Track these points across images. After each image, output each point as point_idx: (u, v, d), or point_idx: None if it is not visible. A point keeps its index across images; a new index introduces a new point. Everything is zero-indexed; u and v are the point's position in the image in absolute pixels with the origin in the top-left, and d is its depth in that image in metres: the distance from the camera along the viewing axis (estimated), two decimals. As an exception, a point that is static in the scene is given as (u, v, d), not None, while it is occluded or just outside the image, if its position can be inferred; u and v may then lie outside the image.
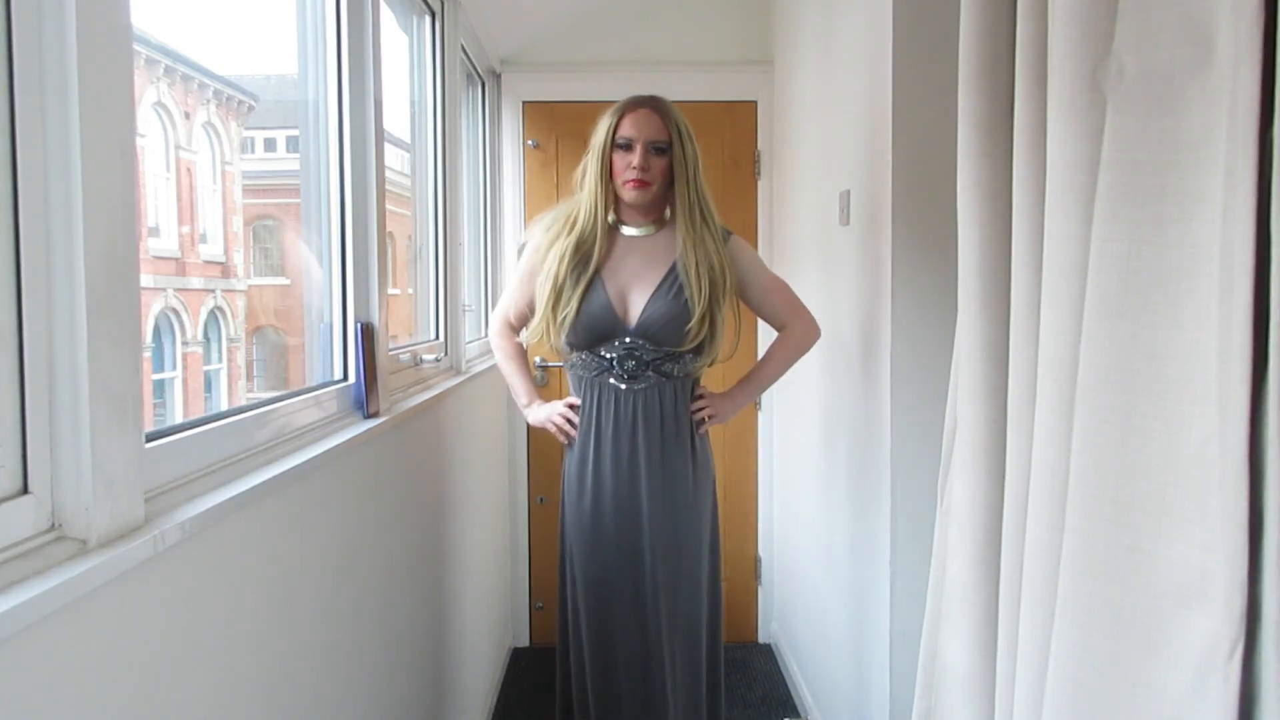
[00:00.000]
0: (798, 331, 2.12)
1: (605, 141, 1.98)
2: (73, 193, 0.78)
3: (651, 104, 1.99)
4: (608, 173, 1.99)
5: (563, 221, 2.04)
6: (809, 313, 2.14)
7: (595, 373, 2.01)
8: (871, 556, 2.17)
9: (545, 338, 2.03)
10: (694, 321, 1.95)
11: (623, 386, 2.00)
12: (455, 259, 2.59)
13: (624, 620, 2.00)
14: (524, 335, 2.13)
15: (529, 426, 3.44)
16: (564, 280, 1.98)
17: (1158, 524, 0.85)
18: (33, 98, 0.77)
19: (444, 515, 2.21)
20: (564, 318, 1.98)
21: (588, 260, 1.99)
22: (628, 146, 1.97)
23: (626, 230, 2.05)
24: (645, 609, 2.00)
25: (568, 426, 2.06)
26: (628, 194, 1.98)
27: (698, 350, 2.01)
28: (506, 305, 2.17)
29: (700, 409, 2.06)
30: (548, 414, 2.10)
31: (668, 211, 2.06)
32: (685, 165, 1.98)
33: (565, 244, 1.99)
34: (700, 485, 2.06)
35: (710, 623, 2.11)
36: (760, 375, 2.15)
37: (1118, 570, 0.88)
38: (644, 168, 1.95)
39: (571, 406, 2.07)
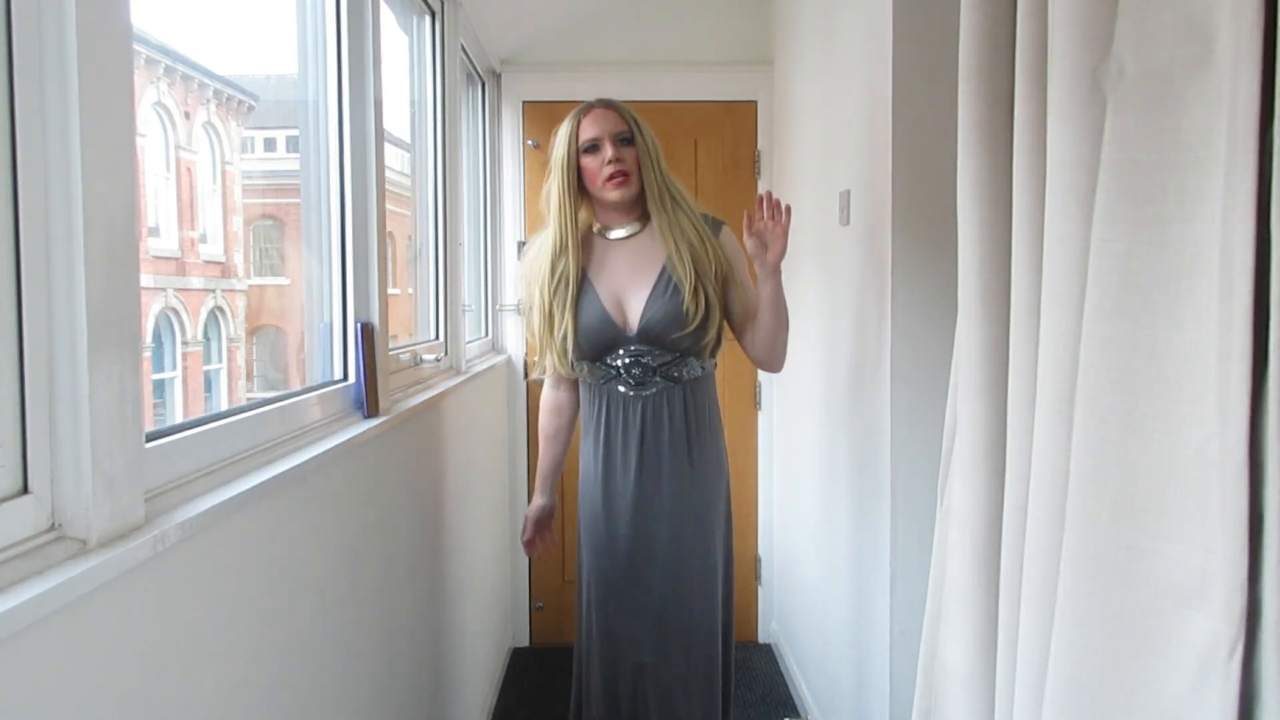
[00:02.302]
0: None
1: (569, 151, 1.98)
2: (73, 193, 0.78)
3: (601, 103, 2.02)
4: (575, 183, 1.99)
5: (542, 248, 2.05)
6: None
7: (603, 380, 2.01)
8: (872, 556, 2.17)
9: (555, 365, 2.04)
10: (688, 299, 1.92)
11: (630, 393, 1.99)
12: (455, 259, 2.59)
13: (635, 624, 2.01)
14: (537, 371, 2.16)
15: (529, 426, 3.45)
16: (550, 303, 1.98)
17: (1158, 524, 0.85)
18: (33, 98, 0.77)
19: (444, 515, 2.21)
20: (562, 335, 1.98)
21: (566, 276, 1.98)
22: (595, 146, 1.97)
23: (613, 234, 2.04)
24: (656, 613, 2.00)
25: (532, 532, 2.21)
26: (611, 193, 1.97)
27: (700, 333, 1.96)
28: (546, 374, 2.17)
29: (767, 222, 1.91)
30: (534, 507, 2.22)
31: (647, 212, 2.05)
32: (648, 153, 1.99)
33: (545, 268, 2.00)
34: (711, 489, 2.05)
35: (722, 627, 2.11)
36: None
37: (1118, 570, 0.88)
38: (619, 159, 1.95)
39: (539, 526, 2.21)
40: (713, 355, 2.05)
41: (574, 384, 2.15)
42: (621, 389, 1.99)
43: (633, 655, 2.01)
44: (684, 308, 1.93)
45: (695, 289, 1.93)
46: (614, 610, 2.01)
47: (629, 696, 2.02)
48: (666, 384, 1.99)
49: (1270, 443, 0.76)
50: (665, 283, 1.97)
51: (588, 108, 2.01)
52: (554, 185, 2.01)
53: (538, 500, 2.20)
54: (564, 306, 1.97)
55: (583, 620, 2.10)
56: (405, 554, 1.83)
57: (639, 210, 2.04)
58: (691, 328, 1.95)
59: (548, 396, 2.18)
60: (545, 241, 2.03)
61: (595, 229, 2.05)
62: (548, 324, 2.00)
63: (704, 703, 2.06)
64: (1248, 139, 0.76)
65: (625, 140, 1.97)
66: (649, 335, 1.96)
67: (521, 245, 3.34)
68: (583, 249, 2.02)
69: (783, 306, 1.99)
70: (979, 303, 1.16)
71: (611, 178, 1.95)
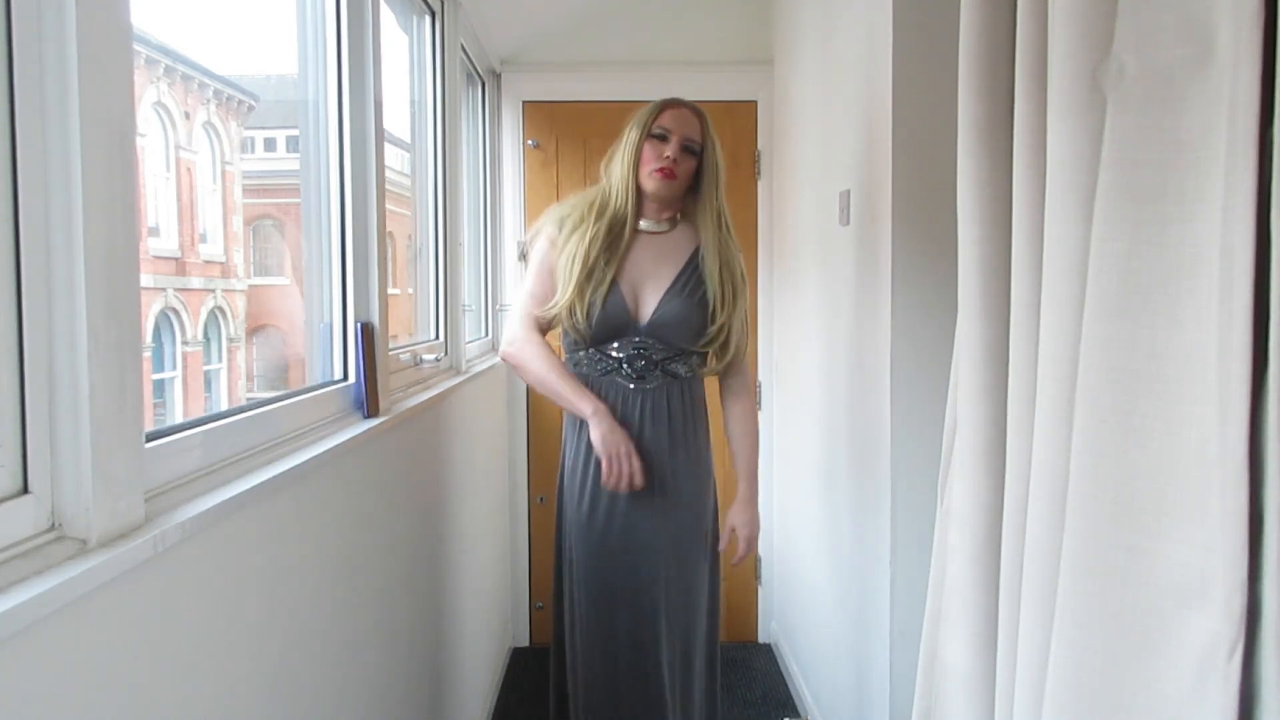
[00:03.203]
0: (750, 412, 2.12)
1: (642, 131, 1.99)
2: (73, 193, 0.78)
3: (691, 107, 2.02)
4: (637, 162, 2.00)
5: (586, 208, 2.03)
6: (750, 377, 2.15)
7: (602, 372, 2.00)
8: (872, 556, 2.17)
9: (567, 318, 1.97)
10: (715, 326, 1.98)
11: (630, 386, 1.99)
12: (455, 259, 2.59)
13: (624, 621, 2.00)
14: (526, 309, 2.04)
15: (528, 426, 3.45)
16: (595, 261, 1.95)
17: (1158, 524, 0.85)
18: (33, 98, 0.77)
19: (444, 515, 2.21)
20: (594, 301, 1.94)
21: (618, 244, 1.99)
22: (663, 137, 1.98)
23: (641, 224, 2.05)
24: (645, 610, 2.00)
25: (636, 475, 1.88)
26: (652, 182, 1.98)
27: (706, 352, 2.02)
28: (528, 305, 2.03)
29: (741, 550, 2.07)
30: (619, 444, 1.89)
31: (678, 214, 2.07)
32: (715, 172, 2.02)
33: (598, 227, 1.98)
34: (702, 487, 2.06)
35: (709, 624, 2.11)
36: (751, 466, 2.11)
37: (1118, 570, 0.88)
38: (674, 160, 1.97)
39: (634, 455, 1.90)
40: (718, 369, 2.08)
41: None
42: (621, 381, 1.99)
43: (623, 655, 2.00)
44: (707, 330, 1.98)
45: (724, 324, 1.98)
46: (604, 609, 2.00)
47: (619, 698, 2.01)
48: (666, 379, 1.99)
49: (1270, 443, 0.76)
50: (683, 283, 1.99)
51: (676, 103, 2.01)
52: (619, 158, 2.02)
53: (621, 430, 1.90)
54: (605, 268, 1.96)
55: (565, 618, 2.09)
56: (405, 554, 1.83)
57: (671, 212, 2.06)
58: (701, 347, 1.99)
59: (535, 338, 2.00)
60: (596, 202, 2.03)
61: None
62: (587, 275, 1.94)
63: (695, 701, 2.06)
64: (1248, 139, 0.76)
65: (693, 150, 1.99)
66: (656, 330, 1.97)
67: (522, 245, 3.34)
68: None
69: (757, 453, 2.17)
70: (979, 303, 1.16)
71: (659, 169, 1.97)
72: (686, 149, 1.98)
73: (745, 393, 2.13)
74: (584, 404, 1.93)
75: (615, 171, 2.03)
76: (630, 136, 2.01)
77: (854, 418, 2.32)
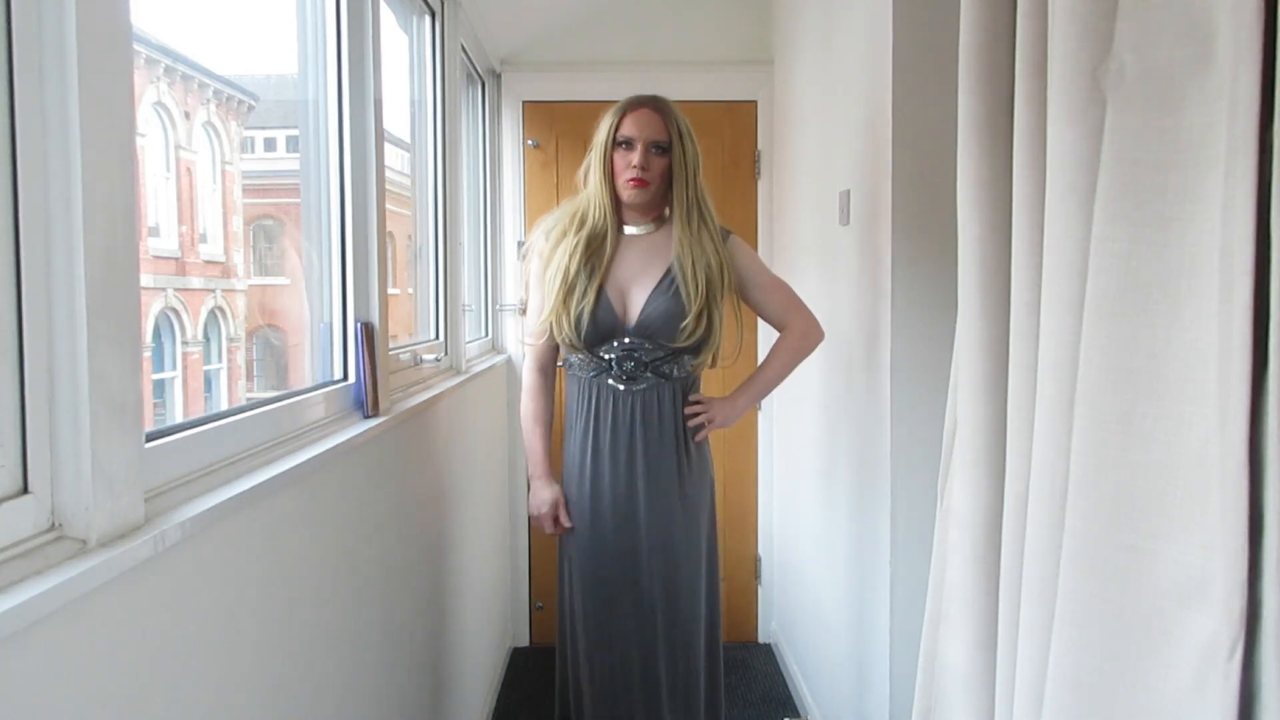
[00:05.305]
0: (798, 331, 2.09)
1: (606, 140, 1.98)
2: (73, 193, 0.78)
3: (653, 104, 1.99)
4: (609, 172, 1.99)
5: (568, 220, 2.03)
6: (810, 313, 2.12)
7: (594, 373, 2.01)
8: (871, 556, 2.17)
9: (556, 331, 1.99)
10: (689, 318, 1.94)
11: (621, 387, 1.99)
12: (455, 259, 2.59)
13: (622, 622, 2.00)
14: (533, 328, 2.09)
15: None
16: (575, 275, 1.96)
17: (1158, 524, 0.85)
18: (33, 98, 0.77)
19: (444, 515, 2.21)
20: (579, 313, 1.96)
21: (600, 257, 1.99)
22: (628, 146, 1.97)
23: (627, 229, 2.05)
24: (643, 611, 2.00)
25: (554, 527, 2.07)
26: (627, 193, 1.98)
27: (695, 349, 2.01)
28: (529, 339, 2.11)
29: (696, 414, 2.04)
30: (545, 501, 2.06)
31: (667, 210, 2.06)
32: (685, 166, 1.98)
33: (576, 239, 1.99)
34: (698, 486, 2.06)
35: (709, 624, 2.11)
36: (761, 378, 2.12)
37: (1118, 570, 0.88)
38: (644, 167, 1.95)
39: (561, 505, 2.06)
40: (712, 366, 2.06)
41: (553, 363, 2.15)
42: (612, 382, 2.00)
43: (622, 655, 2.01)
44: (683, 325, 1.95)
45: (700, 313, 1.95)
46: (603, 610, 2.01)
47: (618, 697, 2.02)
48: (657, 380, 1.99)
49: (1270, 443, 0.76)
50: (669, 282, 1.98)
51: (636, 104, 1.99)
52: (593, 168, 2.02)
53: (546, 494, 2.06)
54: (588, 280, 1.96)
55: (566, 619, 2.09)
56: (405, 554, 1.83)
57: (655, 212, 2.05)
58: (683, 343, 1.97)
59: (532, 379, 2.13)
60: (579, 213, 2.03)
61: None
62: (567, 292, 1.97)
63: (694, 701, 2.06)
64: (1248, 139, 0.76)
65: (660, 149, 1.97)
66: (644, 330, 1.97)
67: (521, 245, 3.34)
68: None
69: (784, 373, 2.13)
70: (979, 302, 1.16)
71: (630, 180, 1.96)
72: (655, 150, 1.97)
73: (798, 331, 2.09)
74: (533, 466, 2.11)
75: (590, 183, 2.03)
76: (597, 147, 2.00)
77: (854, 417, 2.32)
